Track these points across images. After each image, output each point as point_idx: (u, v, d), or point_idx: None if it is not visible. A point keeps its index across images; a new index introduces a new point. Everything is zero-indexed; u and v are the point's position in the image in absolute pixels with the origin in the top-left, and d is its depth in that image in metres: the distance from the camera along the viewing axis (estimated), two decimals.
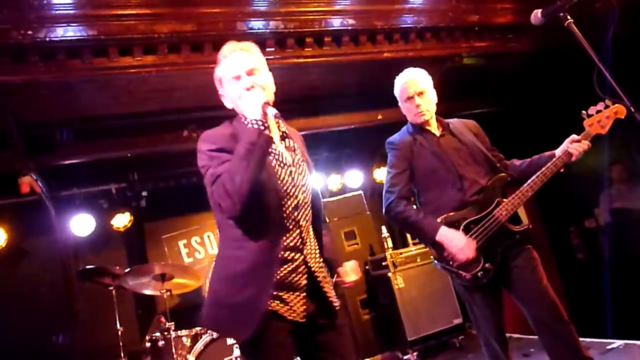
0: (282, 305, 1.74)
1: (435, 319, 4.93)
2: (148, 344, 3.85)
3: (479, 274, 2.39)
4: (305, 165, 1.92)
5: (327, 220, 5.37)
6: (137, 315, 4.95)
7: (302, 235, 1.82)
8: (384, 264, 5.07)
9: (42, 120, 4.23)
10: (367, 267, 5.35)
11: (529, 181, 2.45)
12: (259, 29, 3.83)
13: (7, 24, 3.09)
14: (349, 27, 4.15)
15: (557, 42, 3.99)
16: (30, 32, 3.17)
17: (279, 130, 1.93)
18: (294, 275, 1.78)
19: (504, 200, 2.48)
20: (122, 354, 4.01)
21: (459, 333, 5.01)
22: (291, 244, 1.79)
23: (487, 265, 2.39)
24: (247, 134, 1.68)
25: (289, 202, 1.79)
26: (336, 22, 4.12)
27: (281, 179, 1.80)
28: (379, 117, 5.32)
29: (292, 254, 1.79)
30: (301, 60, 4.16)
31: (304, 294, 1.79)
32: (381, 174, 6.68)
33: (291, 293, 1.76)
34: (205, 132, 1.83)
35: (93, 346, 4.74)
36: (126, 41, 3.45)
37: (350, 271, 2.12)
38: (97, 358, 4.41)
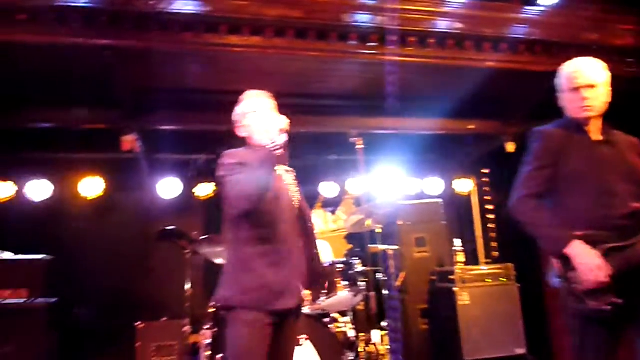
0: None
1: (497, 344, 4.72)
2: (211, 310, 4.03)
3: (607, 306, 2.07)
4: (296, 188, 2.40)
5: (400, 223, 5.31)
6: (205, 281, 5.18)
7: (289, 243, 2.25)
8: (450, 277, 4.92)
9: (149, 85, 4.53)
10: (432, 278, 5.23)
11: None
12: (363, 22, 3.85)
13: None
14: (456, 31, 4.05)
15: None
16: (152, 2, 3.42)
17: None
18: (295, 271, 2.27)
19: None
20: (186, 315, 4.24)
21: None
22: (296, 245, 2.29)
23: (616, 299, 2.07)
24: (262, 151, 2.13)
25: (286, 215, 2.25)
26: (442, 25, 4.04)
27: (288, 191, 2.31)
28: (471, 126, 5.15)
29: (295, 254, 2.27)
30: (401, 58, 4.11)
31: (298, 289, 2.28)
32: (462, 186, 6.49)
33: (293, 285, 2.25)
34: (227, 150, 2.27)
35: (161, 302, 5.05)
36: (236, 21, 3.61)
37: None
38: (164, 313, 4.69)
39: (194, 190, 5.61)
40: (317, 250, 2.50)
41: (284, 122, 2.19)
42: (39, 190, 5.28)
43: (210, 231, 5.17)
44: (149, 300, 5.16)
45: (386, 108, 4.72)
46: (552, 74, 4.51)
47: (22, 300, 3.70)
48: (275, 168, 2.23)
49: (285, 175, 2.40)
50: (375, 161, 5.61)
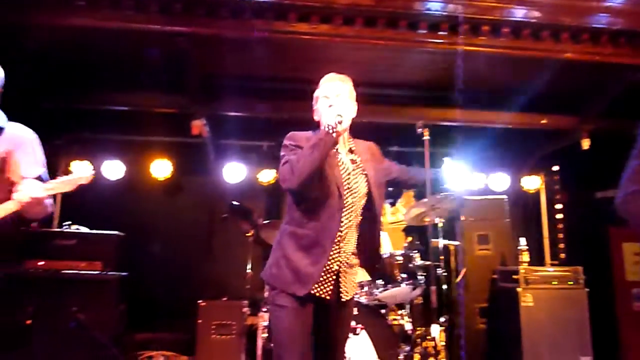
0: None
1: (561, 349, 4.51)
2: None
3: None
4: (362, 177, 2.27)
5: (462, 219, 5.18)
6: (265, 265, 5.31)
7: (342, 231, 2.17)
8: (514, 277, 4.74)
9: (218, 72, 4.66)
10: (494, 277, 5.06)
11: None
12: (435, 10, 3.74)
13: None
14: (532, 20, 3.85)
15: None
16: None
17: (346, 145, 2.34)
18: (330, 261, 2.15)
19: None
20: (246, 296, 4.36)
21: None
22: (337, 235, 2.16)
23: None
24: (317, 135, 2.12)
25: (342, 201, 2.16)
26: (518, 13, 3.85)
27: (342, 179, 2.20)
28: (544, 121, 4.91)
29: (334, 244, 2.15)
30: (472, 48, 3.97)
31: (333, 278, 2.17)
32: (529, 183, 6.22)
33: (324, 274, 2.14)
34: (291, 132, 2.27)
35: (222, 282, 5.23)
36: (306, 8, 3.62)
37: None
38: (225, 293, 4.85)
39: (257, 176, 5.74)
40: (375, 244, 2.36)
41: (342, 109, 2.18)
42: (113, 170, 5.59)
43: (271, 216, 5.29)
44: (211, 280, 5.36)
45: (453, 99, 4.60)
46: (636, 67, 4.25)
47: (96, 272, 3.94)
48: (337, 155, 2.23)
49: (348, 163, 2.29)
50: (439, 154, 5.48)
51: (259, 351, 3.87)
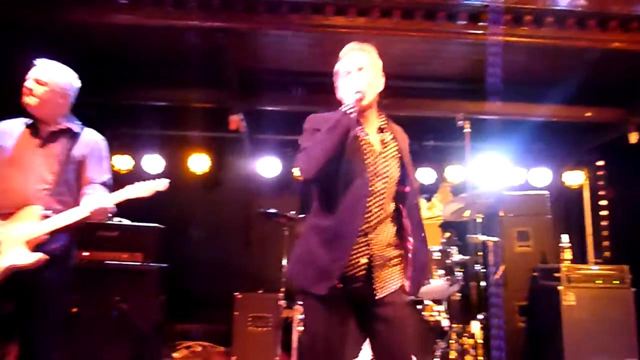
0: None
1: (605, 350, 4.34)
2: None
3: None
4: (394, 160, 2.03)
5: (501, 214, 5.06)
6: None
7: (371, 221, 1.94)
8: (555, 275, 4.60)
9: (255, 67, 4.70)
10: (534, 274, 4.93)
11: None
12: (474, 1, 3.66)
13: None
14: (578, 9, 3.71)
15: None
16: None
17: (375, 124, 2.09)
18: (356, 254, 1.93)
19: None
20: (281, 289, 4.40)
21: None
22: (363, 226, 1.93)
23: None
24: (336, 115, 1.90)
25: (369, 187, 1.94)
26: (563, 2, 3.72)
27: (367, 162, 1.97)
28: (588, 114, 4.73)
29: (360, 236, 1.93)
30: (514, 39, 3.87)
31: (361, 273, 1.94)
32: (572, 178, 6.02)
33: (350, 269, 1.92)
34: (311, 114, 2.08)
35: (258, 275, 5.29)
36: (343, 2, 3.59)
37: None
38: (261, 285, 4.91)
39: (293, 170, 5.77)
40: (415, 240, 2.02)
41: (362, 84, 1.97)
42: (153, 164, 5.73)
43: (306, 210, 5.31)
44: (247, 272, 5.43)
45: (493, 92, 4.49)
46: None
47: (137, 263, 4.05)
48: (363, 135, 2.01)
49: (377, 144, 2.03)
50: (478, 148, 5.37)
51: (295, 344, 3.90)
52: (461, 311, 4.14)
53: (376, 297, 1.94)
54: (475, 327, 3.76)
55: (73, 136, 2.43)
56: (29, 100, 2.34)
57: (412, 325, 2.12)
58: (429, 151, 5.79)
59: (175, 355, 4.89)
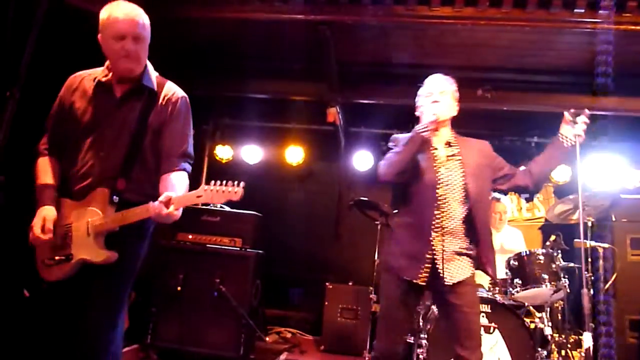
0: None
1: None
2: None
3: None
4: (457, 170, 2.40)
5: (613, 219, 4.66)
6: None
7: (441, 221, 2.34)
8: None
9: (354, 60, 4.70)
10: None
11: None
12: None
13: None
14: None
15: None
16: None
17: (444, 139, 2.49)
18: (431, 249, 2.34)
19: None
20: (371, 282, 4.39)
21: None
22: (434, 222, 2.34)
23: None
24: (412, 132, 2.36)
25: (435, 193, 2.34)
26: None
27: (434, 171, 2.38)
28: None
29: (434, 230, 2.34)
30: (638, 27, 3.53)
31: (429, 266, 2.34)
32: None
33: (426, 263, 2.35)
34: (394, 135, 2.53)
35: (348, 267, 5.33)
36: None
37: None
38: (350, 278, 4.94)
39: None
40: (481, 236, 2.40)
41: (439, 109, 2.38)
42: (252, 154, 5.96)
43: (394, 206, 5.24)
44: (337, 264, 5.49)
45: (609, 85, 4.14)
46: None
47: (237, 248, 4.24)
48: (433, 148, 2.43)
49: (442, 157, 2.45)
50: (589, 147, 4.98)
51: None
52: (565, 320, 3.88)
53: (445, 284, 2.31)
54: (587, 339, 3.50)
55: (151, 95, 2.08)
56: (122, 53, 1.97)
57: (478, 310, 2.59)
58: (532, 148, 5.46)
59: (266, 339, 5.07)
